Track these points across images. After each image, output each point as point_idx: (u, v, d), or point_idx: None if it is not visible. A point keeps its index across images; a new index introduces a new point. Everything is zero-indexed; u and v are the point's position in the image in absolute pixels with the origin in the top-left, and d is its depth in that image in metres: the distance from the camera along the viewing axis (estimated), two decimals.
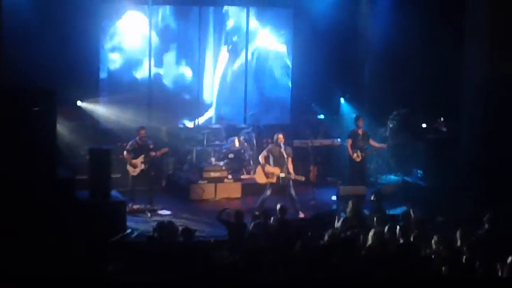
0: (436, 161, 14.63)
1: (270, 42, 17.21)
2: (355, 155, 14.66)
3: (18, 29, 13.73)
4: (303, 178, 13.54)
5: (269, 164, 13.38)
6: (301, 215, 13.05)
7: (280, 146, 13.40)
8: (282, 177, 13.25)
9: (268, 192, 13.33)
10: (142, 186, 13.85)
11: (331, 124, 16.72)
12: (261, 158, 13.50)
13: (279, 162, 13.34)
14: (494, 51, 13.73)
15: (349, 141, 14.78)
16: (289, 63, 17.31)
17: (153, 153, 13.90)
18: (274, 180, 13.31)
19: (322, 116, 16.84)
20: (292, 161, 13.49)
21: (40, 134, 11.03)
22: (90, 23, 15.12)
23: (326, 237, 9.44)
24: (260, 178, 13.48)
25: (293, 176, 13.31)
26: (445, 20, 15.10)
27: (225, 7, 16.80)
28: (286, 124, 16.93)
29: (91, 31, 15.29)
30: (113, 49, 15.89)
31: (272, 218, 10.98)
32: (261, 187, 13.52)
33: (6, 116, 10.79)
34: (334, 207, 13.34)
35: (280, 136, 13.48)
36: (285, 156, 13.32)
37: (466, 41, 14.37)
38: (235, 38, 16.98)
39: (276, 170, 13.30)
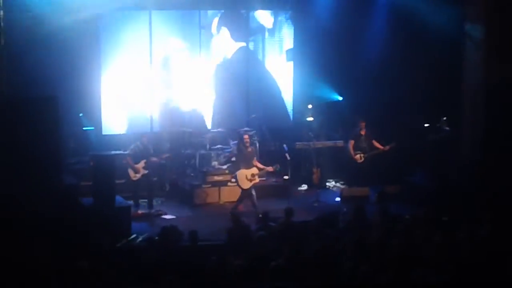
0: (437, 162, 14.62)
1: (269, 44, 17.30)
2: (357, 156, 14.70)
3: (20, 39, 13.71)
4: (271, 169, 13.62)
5: (245, 168, 13.45)
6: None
7: (246, 147, 13.53)
8: (262, 173, 13.48)
9: (254, 192, 13.43)
10: (143, 191, 13.92)
11: (333, 126, 16.64)
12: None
13: (250, 163, 13.51)
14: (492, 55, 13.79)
15: (351, 142, 14.82)
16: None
17: (154, 158, 13.98)
18: (256, 180, 13.42)
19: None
20: (257, 159, 13.79)
21: (45, 141, 11.06)
22: (89, 33, 15.13)
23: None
24: (245, 184, 13.48)
25: (268, 168, 13.54)
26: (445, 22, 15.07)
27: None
28: (289, 127, 16.97)
29: (91, 42, 15.31)
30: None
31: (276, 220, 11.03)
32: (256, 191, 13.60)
33: (11, 123, 10.83)
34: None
35: (246, 136, 13.64)
36: (252, 156, 13.55)
37: (466, 47, 14.43)
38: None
39: (255, 170, 13.43)
